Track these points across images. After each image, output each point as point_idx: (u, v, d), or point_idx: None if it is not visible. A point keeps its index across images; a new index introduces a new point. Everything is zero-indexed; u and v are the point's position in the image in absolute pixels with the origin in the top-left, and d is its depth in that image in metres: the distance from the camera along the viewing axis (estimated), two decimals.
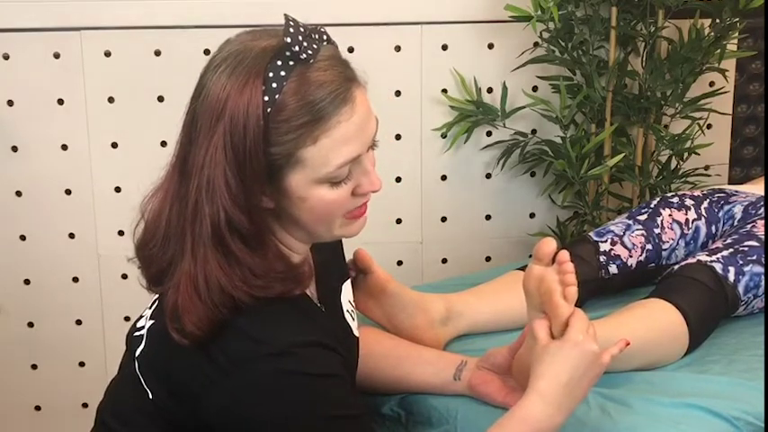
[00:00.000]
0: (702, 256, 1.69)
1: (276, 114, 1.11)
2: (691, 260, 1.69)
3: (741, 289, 1.66)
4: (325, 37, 1.17)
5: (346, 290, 1.43)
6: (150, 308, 1.27)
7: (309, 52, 1.12)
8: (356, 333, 1.41)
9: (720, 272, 1.65)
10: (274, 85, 1.11)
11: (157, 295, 1.26)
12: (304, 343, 1.16)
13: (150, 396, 1.23)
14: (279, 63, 1.11)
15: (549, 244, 1.29)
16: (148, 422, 1.25)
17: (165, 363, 1.21)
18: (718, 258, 1.67)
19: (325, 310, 1.32)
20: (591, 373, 1.26)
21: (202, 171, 1.12)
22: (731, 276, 1.65)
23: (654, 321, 1.56)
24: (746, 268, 1.67)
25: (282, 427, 1.16)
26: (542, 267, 1.29)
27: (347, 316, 1.40)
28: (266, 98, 1.10)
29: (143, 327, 1.26)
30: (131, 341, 1.29)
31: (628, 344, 1.31)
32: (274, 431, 1.16)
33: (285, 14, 1.14)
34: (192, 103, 1.17)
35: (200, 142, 1.13)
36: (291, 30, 1.12)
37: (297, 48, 1.11)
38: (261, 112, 1.10)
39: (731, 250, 1.70)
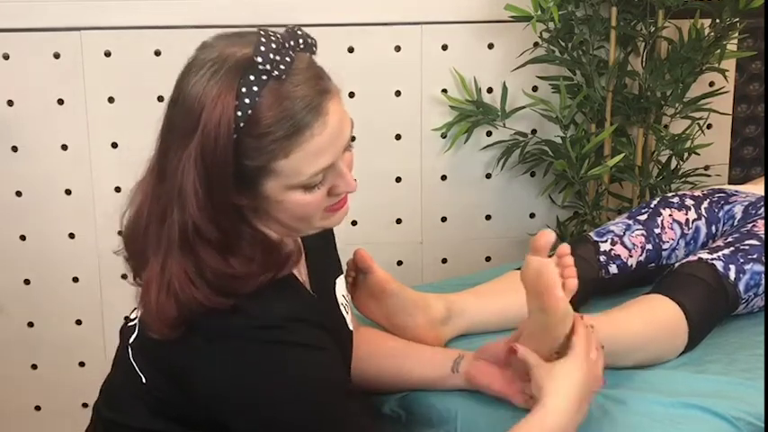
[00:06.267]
0: (704, 254, 1.68)
1: (250, 129, 1.12)
2: (692, 258, 1.69)
3: (742, 287, 1.66)
4: (300, 41, 1.17)
5: (340, 284, 1.44)
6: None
7: (282, 67, 1.13)
8: (350, 326, 1.42)
9: (721, 270, 1.65)
10: (247, 100, 1.11)
11: None
12: (290, 318, 1.18)
13: (144, 381, 1.26)
14: (252, 78, 1.12)
15: (547, 235, 1.30)
16: (142, 407, 1.27)
17: (156, 345, 1.22)
18: (719, 256, 1.67)
19: (318, 300, 1.32)
20: (592, 389, 1.32)
21: (175, 178, 1.14)
22: (732, 274, 1.65)
23: (654, 317, 1.56)
24: (747, 266, 1.67)
25: (270, 399, 1.17)
26: (540, 259, 1.29)
27: (342, 309, 1.41)
28: (239, 113, 1.11)
29: (135, 318, 1.29)
30: (125, 332, 1.32)
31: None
32: (262, 402, 1.17)
33: (258, 30, 1.15)
34: (170, 106, 1.18)
35: (175, 149, 1.15)
36: (263, 48, 1.12)
37: (268, 66, 1.12)
38: (233, 126, 1.11)
39: (732, 248, 1.70)
